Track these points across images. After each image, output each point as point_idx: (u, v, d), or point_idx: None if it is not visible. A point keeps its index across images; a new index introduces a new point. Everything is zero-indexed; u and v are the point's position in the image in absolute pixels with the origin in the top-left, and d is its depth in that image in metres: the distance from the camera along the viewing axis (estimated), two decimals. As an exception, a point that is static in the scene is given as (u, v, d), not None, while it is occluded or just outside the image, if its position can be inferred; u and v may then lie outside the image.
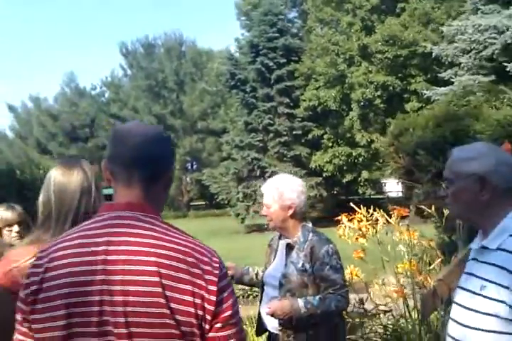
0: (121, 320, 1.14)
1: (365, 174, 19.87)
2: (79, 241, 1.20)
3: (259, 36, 20.46)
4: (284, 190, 2.49)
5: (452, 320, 1.56)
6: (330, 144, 20.03)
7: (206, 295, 1.16)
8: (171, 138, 1.41)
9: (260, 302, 2.63)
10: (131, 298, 1.14)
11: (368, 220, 3.58)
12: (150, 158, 1.25)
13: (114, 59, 71.49)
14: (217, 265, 1.21)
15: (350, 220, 3.85)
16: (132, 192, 1.24)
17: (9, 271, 1.67)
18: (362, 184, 20.35)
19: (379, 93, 18.79)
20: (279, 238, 2.62)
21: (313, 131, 20.16)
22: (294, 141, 20.24)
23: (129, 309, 1.14)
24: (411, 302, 3.40)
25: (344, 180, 20.12)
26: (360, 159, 19.38)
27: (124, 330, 1.14)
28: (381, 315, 3.74)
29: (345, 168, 19.70)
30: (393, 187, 26.64)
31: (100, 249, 1.17)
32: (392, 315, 3.62)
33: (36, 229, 1.76)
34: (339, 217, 3.95)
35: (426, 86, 17.58)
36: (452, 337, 1.55)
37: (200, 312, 1.16)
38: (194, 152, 28.71)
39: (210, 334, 1.17)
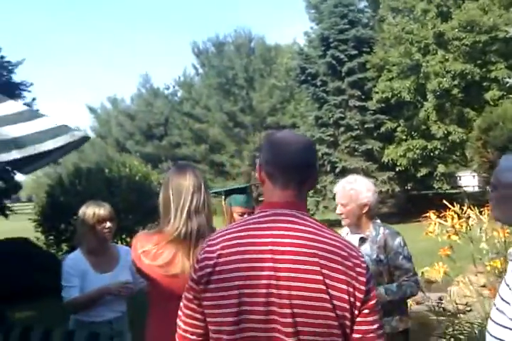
0: (286, 301, 1.34)
1: (441, 168, 19.07)
2: (248, 232, 1.42)
3: (330, 28, 20.16)
4: (361, 189, 2.74)
5: (492, 320, 1.63)
6: (404, 137, 19.39)
7: (357, 285, 1.37)
8: (314, 143, 1.63)
9: None
10: (294, 284, 1.34)
11: (460, 218, 3.43)
12: (305, 164, 1.48)
13: (187, 59, 73.42)
14: (363, 259, 1.43)
15: (438, 217, 3.73)
16: (289, 193, 1.46)
17: (140, 254, 2.06)
18: (438, 178, 19.54)
19: (456, 82, 17.92)
20: (349, 233, 2.84)
21: (386, 123, 19.60)
22: (365, 134, 19.79)
23: (294, 293, 1.33)
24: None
25: (418, 175, 19.41)
26: (436, 152, 18.60)
27: (288, 310, 1.33)
28: (461, 315, 3.60)
29: (419, 161, 19.00)
30: (469, 181, 25.41)
31: (268, 240, 1.38)
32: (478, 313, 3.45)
33: (159, 222, 2.10)
34: (427, 214, 3.86)
35: (507, 73, 16.59)
36: (489, 334, 1.63)
37: (351, 299, 1.36)
38: (264, 148, 28.80)
39: (359, 319, 1.38)
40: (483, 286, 3.81)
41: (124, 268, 2.90)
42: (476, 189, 23.77)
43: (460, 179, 24.96)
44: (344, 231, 2.90)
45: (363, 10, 23.16)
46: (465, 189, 22.74)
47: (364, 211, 2.74)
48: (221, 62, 31.37)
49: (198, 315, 1.45)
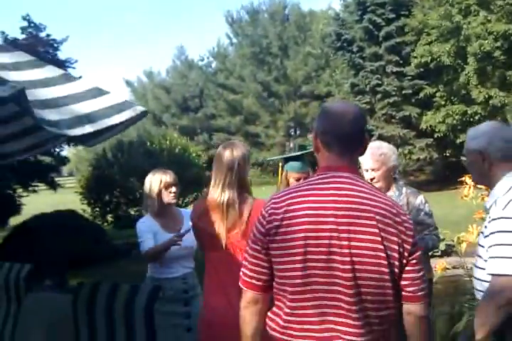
0: (346, 250, 1.55)
1: (482, 133, 18.60)
2: (310, 191, 1.63)
3: (366, -8, 19.59)
4: (389, 154, 2.94)
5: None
6: (443, 102, 18.89)
7: (405, 238, 1.59)
8: (364, 113, 1.85)
9: None
10: (354, 236, 1.55)
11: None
12: (357, 133, 1.68)
13: (221, 29, 72.72)
14: (409, 217, 1.67)
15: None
16: (343, 159, 1.66)
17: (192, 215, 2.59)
18: (479, 144, 19.11)
19: (499, 44, 17.20)
20: None
21: (424, 89, 19.12)
22: (403, 100, 19.41)
23: (353, 243, 1.55)
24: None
25: (458, 141, 19.00)
26: (477, 117, 18.08)
27: (347, 259, 1.55)
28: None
29: (459, 127, 18.53)
30: None
31: (329, 198, 1.59)
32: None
33: (210, 188, 2.50)
34: (463, 178, 3.92)
35: (555, 32, 15.83)
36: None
37: (401, 250, 1.58)
38: (298, 117, 28.64)
39: (407, 268, 1.61)
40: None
41: (188, 228, 3.21)
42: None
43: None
44: None
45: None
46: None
47: (392, 173, 2.98)
48: (255, 30, 30.99)
49: (264, 263, 1.66)
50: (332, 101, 1.97)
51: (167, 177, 3.22)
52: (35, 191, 10.84)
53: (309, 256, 1.56)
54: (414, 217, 2.84)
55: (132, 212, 11.11)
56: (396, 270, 1.58)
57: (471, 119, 18.16)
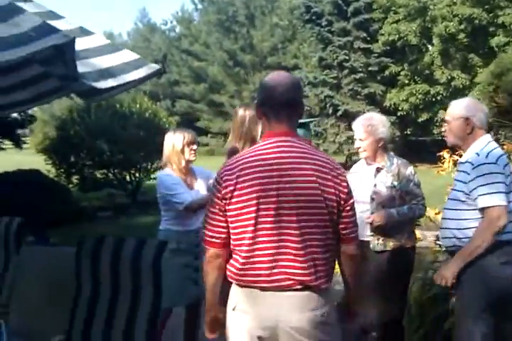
0: (292, 198, 1.82)
1: (442, 113, 19.17)
2: (258, 156, 1.86)
3: (337, -35, 19.46)
4: (377, 125, 3.06)
5: (444, 207, 2.68)
6: (407, 81, 19.32)
7: (340, 188, 1.87)
8: (300, 81, 2.05)
9: None
10: (296, 185, 1.82)
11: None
12: (292, 102, 1.89)
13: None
14: (343, 171, 1.93)
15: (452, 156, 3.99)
16: (283, 125, 1.90)
17: None
18: (438, 124, 19.76)
19: (463, 26, 17.66)
20: (365, 165, 3.21)
21: (390, 67, 19.45)
22: (369, 77, 19.67)
23: (297, 191, 1.82)
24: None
25: (419, 120, 19.59)
26: (439, 97, 18.66)
27: (294, 204, 1.82)
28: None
29: (421, 106, 19.09)
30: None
31: (274, 161, 1.84)
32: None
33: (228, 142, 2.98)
34: (440, 153, 4.12)
35: (515, 19, 16.36)
36: (441, 218, 2.68)
37: (337, 199, 1.86)
38: (263, 88, 28.50)
39: (343, 214, 1.89)
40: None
41: (202, 185, 3.34)
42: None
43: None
44: (360, 163, 3.26)
45: None
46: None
47: (380, 144, 3.07)
48: (221, -3, 30.33)
49: (222, 224, 1.89)
50: (272, 73, 2.16)
51: (189, 135, 3.29)
52: (2, 148, 10.48)
53: (261, 213, 1.81)
54: (405, 186, 3.02)
55: (98, 175, 10.95)
56: (334, 216, 1.86)
57: (434, 99, 18.73)
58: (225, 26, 29.21)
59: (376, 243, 3.03)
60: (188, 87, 29.55)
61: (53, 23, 2.63)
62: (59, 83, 2.76)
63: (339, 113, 19.25)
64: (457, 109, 2.58)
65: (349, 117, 17.11)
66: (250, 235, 1.83)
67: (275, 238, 1.82)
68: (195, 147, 3.32)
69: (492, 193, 2.34)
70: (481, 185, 2.37)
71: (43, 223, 5.85)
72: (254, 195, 1.82)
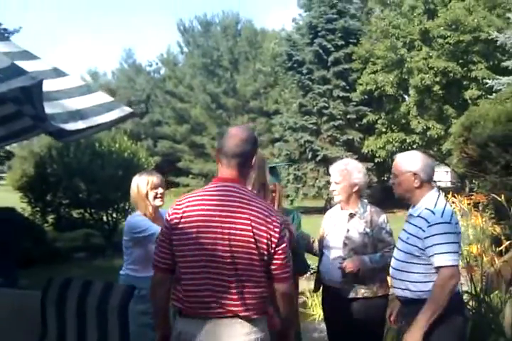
0: (227, 242, 2.04)
1: (417, 161, 19.63)
2: (205, 197, 2.13)
3: (318, 17, 20.34)
4: (352, 170, 3.14)
5: (393, 257, 2.70)
6: (384, 130, 19.87)
7: (273, 233, 2.07)
8: (255, 137, 2.25)
9: (319, 264, 3.23)
10: (233, 231, 2.04)
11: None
12: (241, 153, 2.13)
13: (172, 36, 72.10)
14: (279, 218, 2.13)
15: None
16: (232, 172, 2.14)
17: None
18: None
19: (438, 79, 18.41)
20: (339, 210, 3.23)
21: (367, 115, 20.04)
22: (347, 125, 20.21)
23: (232, 237, 2.04)
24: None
25: (396, 167, 19.94)
26: (415, 146, 19.13)
27: (227, 248, 2.04)
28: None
29: (397, 154, 19.51)
30: (442, 177, 26.19)
31: (216, 202, 2.08)
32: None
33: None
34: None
35: (487, 74, 17.12)
36: (392, 267, 2.68)
37: (269, 243, 2.06)
38: (244, 131, 28.88)
39: (275, 256, 2.09)
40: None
41: None
42: (449, 184, 24.55)
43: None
44: (335, 209, 3.32)
45: (351, 1, 23.35)
46: (438, 184, 23.52)
47: (354, 190, 3.13)
48: (207, 42, 31.15)
49: (167, 251, 2.14)
50: (234, 127, 2.36)
51: (155, 178, 3.25)
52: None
53: (199, 246, 2.06)
54: (377, 234, 3.07)
55: (74, 214, 10.80)
56: (265, 257, 2.08)
57: (410, 147, 19.18)
58: (209, 70, 29.90)
59: (347, 290, 3.04)
60: (170, 127, 29.83)
61: (28, 63, 2.67)
62: (31, 122, 2.79)
63: (318, 158, 19.57)
64: (404, 163, 2.62)
65: (328, 162, 17.27)
66: (190, 265, 2.09)
67: (212, 270, 2.06)
68: (160, 191, 3.25)
69: (446, 253, 2.41)
70: (436, 244, 2.43)
71: (14, 263, 5.72)
72: (195, 230, 2.08)
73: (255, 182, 2.81)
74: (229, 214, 2.06)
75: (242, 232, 2.05)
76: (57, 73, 2.90)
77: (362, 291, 3.04)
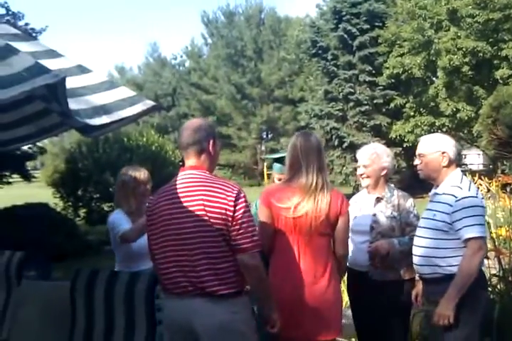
0: (185, 219, 2.21)
1: (448, 144, 19.25)
2: (171, 186, 2.30)
3: (342, 2, 20.02)
4: (381, 153, 3.11)
5: (416, 235, 2.76)
6: (412, 113, 19.51)
7: (227, 207, 2.17)
8: (209, 124, 2.40)
9: None
10: (191, 218, 2.20)
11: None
12: (195, 141, 2.28)
13: (196, 28, 72.22)
14: (236, 192, 2.20)
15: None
16: (191, 159, 2.30)
17: (272, 200, 2.62)
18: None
19: (467, 59, 17.91)
20: (366, 194, 3.22)
21: (395, 99, 19.69)
22: (374, 110, 19.90)
23: (189, 219, 2.20)
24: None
25: (426, 151, 19.60)
26: (444, 129, 18.74)
27: (188, 229, 2.21)
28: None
29: (427, 138, 19.18)
30: (474, 159, 25.64)
31: (177, 190, 2.25)
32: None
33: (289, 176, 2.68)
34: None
35: (519, 52, 16.60)
36: (417, 246, 2.72)
37: (223, 216, 2.17)
38: (270, 121, 28.92)
39: (231, 228, 2.17)
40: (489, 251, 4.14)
41: None
42: (481, 167, 23.99)
43: (465, 157, 25.19)
44: (360, 193, 3.29)
45: (376, -17, 22.89)
46: (470, 167, 23.01)
47: (382, 173, 3.09)
48: (230, 32, 31.10)
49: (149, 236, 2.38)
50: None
51: (140, 174, 3.17)
52: (9, 183, 10.60)
53: (165, 232, 2.25)
54: (404, 218, 3.03)
55: (105, 208, 11.02)
56: (223, 232, 2.17)
57: (439, 131, 18.80)
58: (234, 60, 29.89)
59: (374, 273, 3.00)
60: (196, 119, 29.98)
61: (53, 61, 2.75)
62: (59, 119, 2.86)
63: (345, 145, 19.38)
64: (433, 143, 2.70)
65: (355, 149, 16.92)
66: (160, 248, 2.28)
67: (179, 252, 2.21)
68: (148, 187, 3.16)
69: (474, 225, 2.48)
70: (465, 217, 2.50)
71: (47, 257, 5.89)
72: (162, 218, 2.27)
73: (313, 165, 2.59)
74: (185, 198, 2.22)
75: (197, 212, 2.19)
76: (81, 70, 2.96)
77: (389, 275, 3.01)
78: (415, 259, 2.76)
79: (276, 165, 3.36)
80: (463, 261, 2.49)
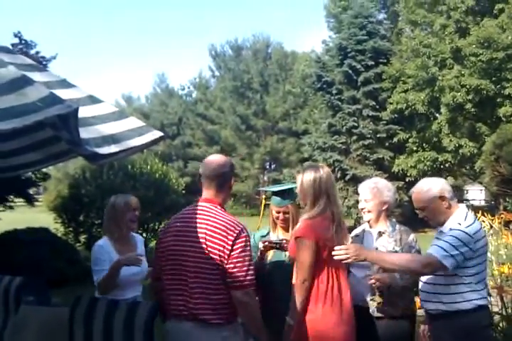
0: (189, 248, 2.42)
1: (449, 180, 19.28)
2: (184, 215, 2.54)
3: (348, 39, 20.45)
4: (383, 188, 3.15)
5: None
6: (415, 148, 19.61)
7: (226, 245, 2.33)
8: (231, 162, 2.60)
9: None
10: (194, 249, 2.39)
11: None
12: (217, 176, 2.48)
13: (204, 60, 73.72)
14: (238, 228, 2.37)
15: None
16: (209, 193, 2.51)
17: (319, 232, 2.74)
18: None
19: (470, 97, 18.13)
20: (367, 228, 3.21)
21: (398, 134, 19.86)
22: (377, 144, 20.04)
23: (192, 249, 2.40)
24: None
25: (428, 186, 19.61)
26: (446, 165, 18.83)
27: (191, 259, 2.41)
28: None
29: (429, 173, 19.20)
30: (476, 195, 25.59)
31: (188, 220, 2.47)
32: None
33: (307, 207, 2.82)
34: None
35: (522, 90, 16.80)
36: (423, 282, 2.77)
37: (221, 253, 2.33)
38: (274, 152, 29.12)
39: (227, 266, 2.33)
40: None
41: (141, 254, 3.18)
42: (483, 203, 23.93)
43: (467, 192, 25.15)
44: (361, 227, 3.27)
45: (381, 22, 23.45)
46: (472, 202, 22.94)
47: (384, 208, 3.12)
48: (237, 65, 31.71)
49: (157, 261, 2.58)
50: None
51: (130, 200, 3.23)
52: (11, 207, 10.61)
53: (172, 258, 2.44)
54: (407, 252, 3.01)
55: (106, 234, 10.95)
56: (220, 267, 2.32)
57: (441, 166, 18.88)
58: (240, 92, 30.35)
59: (376, 308, 2.98)
60: (200, 148, 30.25)
61: (65, 91, 2.82)
62: (67, 146, 2.91)
63: (347, 177, 19.42)
64: (426, 192, 2.75)
65: (357, 181, 17.16)
66: (167, 275, 2.47)
67: (180, 277, 2.41)
68: (136, 213, 3.24)
69: (441, 247, 2.55)
70: (441, 240, 2.59)
71: (47, 282, 5.85)
72: (171, 244, 2.48)
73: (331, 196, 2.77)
74: (191, 228, 2.41)
75: (200, 245, 2.36)
76: (92, 100, 3.02)
77: (390, 310, 2.97)
78: (420, 295, 2.78)
79: (275, 199, 3.27)
80: (409, 257, 2.70)
